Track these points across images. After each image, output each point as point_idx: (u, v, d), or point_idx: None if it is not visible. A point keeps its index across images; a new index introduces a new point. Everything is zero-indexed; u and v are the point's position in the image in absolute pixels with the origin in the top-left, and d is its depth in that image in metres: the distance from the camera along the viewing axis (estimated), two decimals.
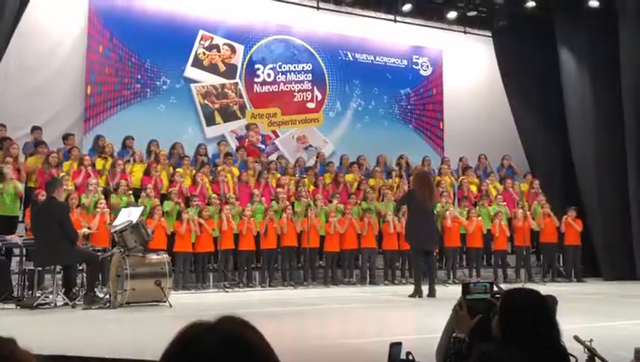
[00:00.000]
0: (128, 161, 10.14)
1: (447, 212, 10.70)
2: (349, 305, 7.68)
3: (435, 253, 9.11)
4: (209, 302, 7.89)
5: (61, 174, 9.01)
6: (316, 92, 13.13)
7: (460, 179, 12.07)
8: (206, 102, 12.30)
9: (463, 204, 11.24)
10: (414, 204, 8.36)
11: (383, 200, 10.99)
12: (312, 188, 11.05)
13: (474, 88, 14.23)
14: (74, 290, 7.13)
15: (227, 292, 9.11)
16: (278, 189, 10.52)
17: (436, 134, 14.13)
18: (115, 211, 8.34)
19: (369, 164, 12.13)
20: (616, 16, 11.71)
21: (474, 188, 11.99)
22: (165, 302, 6.98)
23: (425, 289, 8.18)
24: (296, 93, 12.98)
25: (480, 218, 10.97)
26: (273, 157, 12.28)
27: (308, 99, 13.09)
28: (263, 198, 10.30)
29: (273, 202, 10.28)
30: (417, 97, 14.06)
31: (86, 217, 8.72)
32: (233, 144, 12.29)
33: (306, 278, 10.08)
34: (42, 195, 7.89)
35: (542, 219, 11.25)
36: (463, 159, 12.69)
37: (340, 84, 13.36)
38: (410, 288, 8.45)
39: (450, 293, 7.89)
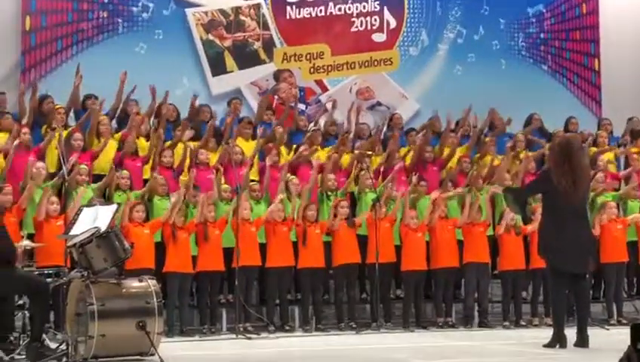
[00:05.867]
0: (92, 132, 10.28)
1: (607, 207, 10.53)
2: None
3: (587, 277, 8.90)
4: (221, 357, 7.91)
5: None
6: (387, 15, 13.08)
7: (627, 149, 11.94)
8: (211, 37, 12.37)
9: (633, 193, 11.02)
10: (552, 195, 8.16)
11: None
12: (378, 167, 11.02)
13: None
14: (11, 338, 7.23)
15: (249, 339, 9.15)
16: (328, 175, 10.51)
17: (589, 80, 14.00)
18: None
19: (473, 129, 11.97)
20: None
21: None
22: (153, 355, 7.01)
23: (571, 334, 8.05)
24: (354, 19, 12.95)
25: None
26: (319, 123, 12.23)
27: (374, 27, 13.05)
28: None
29: (318, 193, 10.32)
30: (556, 20, 13.96)
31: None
32: (255, 103, 12.30)
33: (375, 317, 10.04)
34: None
35: None
36: (633, 120, 12.53)
37: (427, 0, 13.31)
38: (547, 333, 8.31)
39: (613, 341, 7.67)
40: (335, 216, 9.98)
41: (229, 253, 9.67)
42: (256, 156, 10.84)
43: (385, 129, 12.08)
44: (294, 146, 11.09)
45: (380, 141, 11.62)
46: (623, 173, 11.73)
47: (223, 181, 10.18)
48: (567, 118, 12.39)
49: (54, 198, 9.17)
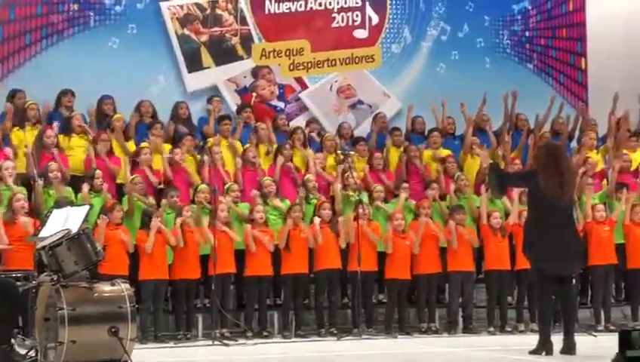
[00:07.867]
0: (65, 131, 10.32)
1: (594, 210, 10.61)
2: None
3: (574, 280, 8.99)
4: None
5: None
6: (369, 11, 13.09)
7: (613, 149, 11.91)
8: (187, 32, 12.37)
9: (619, 195, 10.94)
10: (538, 195, 8.24)
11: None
12: (363, 173, 11.09)
13: None
14: None
15: (227, 346, 9.17)
16: (307, 176, 10.56)
17: (575, 79, 14.00)
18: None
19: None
20: None
21: None
22: None
23: (558, 340, 8.11)
24: (335, 14, 12.95)
25: None
26: (299, 122, 12.31)
27: (356, 23, 13.06)
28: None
29: (300, 196, 10.34)
30: (542, 17, 13.97)
31: None
32: (232, 101, 12.36)
33: (357, 323, 10.10)
34: None
35: None
36: (620, 120, 12.54)
37: None
38: (533, 339, 8.38)
39: (601, 348, 7.68)
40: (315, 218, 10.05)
41: (204, 260, 9.69)
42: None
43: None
44: (275, 146, 11.13)
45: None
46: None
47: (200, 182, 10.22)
48: (554, 118, 12.50)
49: (21, 195, 9.13)
